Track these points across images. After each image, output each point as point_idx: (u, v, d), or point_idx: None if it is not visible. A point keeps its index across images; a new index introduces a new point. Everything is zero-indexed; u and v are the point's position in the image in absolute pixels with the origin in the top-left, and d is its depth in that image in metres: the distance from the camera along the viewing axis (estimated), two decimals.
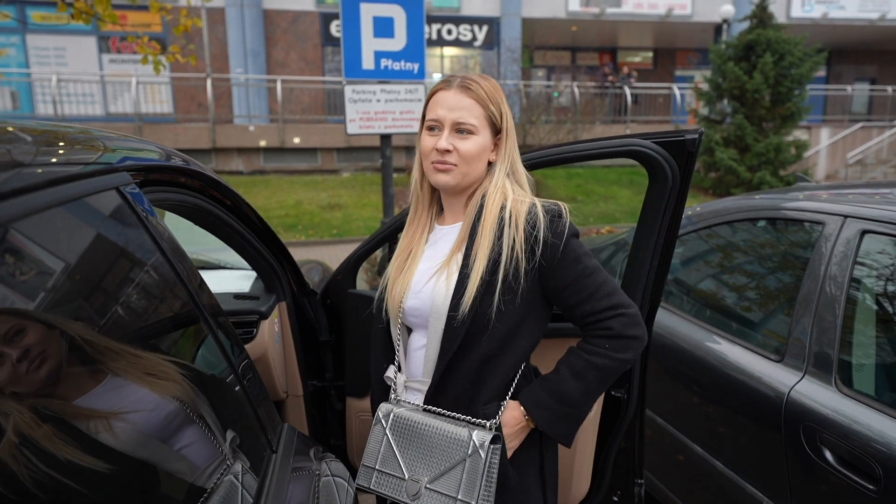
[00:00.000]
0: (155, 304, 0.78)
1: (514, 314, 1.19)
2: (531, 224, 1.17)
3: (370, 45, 4.03)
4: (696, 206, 2.52)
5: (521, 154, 1.36)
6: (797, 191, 2.24)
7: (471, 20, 15.84)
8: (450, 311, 1.19)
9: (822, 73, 18.01)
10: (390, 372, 1.32)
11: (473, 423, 1.20)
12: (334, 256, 7.63)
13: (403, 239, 1.36)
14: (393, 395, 1.32)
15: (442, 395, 1.24)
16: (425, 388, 1.26)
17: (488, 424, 1.20)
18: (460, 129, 1.21)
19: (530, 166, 1.37)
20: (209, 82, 12.25)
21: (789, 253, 2.01)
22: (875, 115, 16.62)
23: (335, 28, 15.23)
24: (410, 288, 1.28)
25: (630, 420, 1.62)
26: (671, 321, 2.25)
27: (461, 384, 1.22)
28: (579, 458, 1.64)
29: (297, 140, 12.33)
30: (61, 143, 0.77)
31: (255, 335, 1.75)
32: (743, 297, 2.12)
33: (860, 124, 14.62)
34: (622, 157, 1.39)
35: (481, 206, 1.22)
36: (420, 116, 1.30)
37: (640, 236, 1.47)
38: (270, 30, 14.65)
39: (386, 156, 4.46)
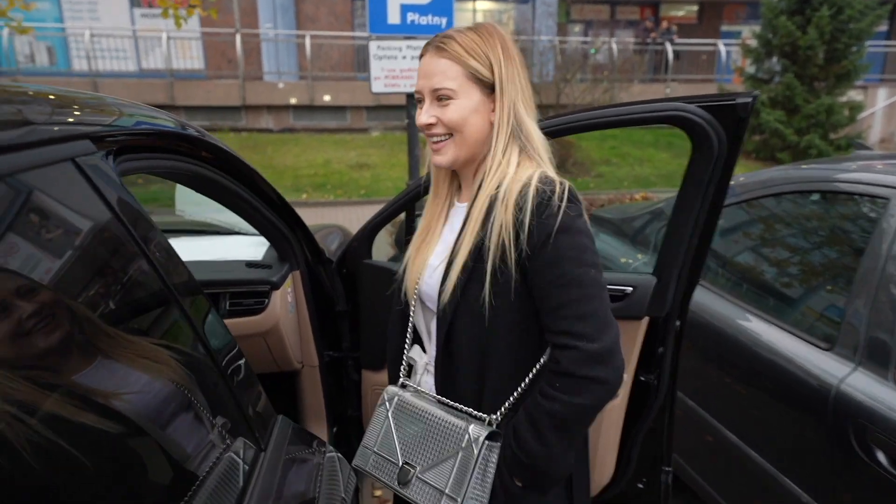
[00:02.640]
0: (112, 289, 0.70)
1: (511, 308, 1.04)
2: (519, 205, 1.00)
3: None
4: (739, 177, 2.34)
5: (549, 118, 1.22)
6: (852, 160, 2.04)
7: None
8: (437, 299, 1.11)
9: (882, 27, 16.79)
10: (415, 352, 1.24)
11: (473, 416, 1.11)
12: (362, 217, 7.54)
13: (423, 217, 1.24)
14: (402, 378, 1.25)
15: (449, 385, 1.15)
16: None
17: (488, 419, 1.09)
18: (440, 97, 1.07)
19: (558, 132, 1.23)
20: (238, 38, 12.09)
21: (843, 229, 1.83)
22: None
23: None
24: (426, 270, 1.18)
25: (659, 405, 1.51)
26: (705, 297, 2.11)
27: (465, 377, 1.12)
28: (603, 444, 1.56)
29: (326, 98, 12.17)
30: (16, 109, 0.68)
31: (267, 306, 1.69)
32: (788, 277, 1.96)
33: None
34: (662, 124, 1.24)
35: (480, 183, 1.09)
36: None
37: (679, 210, 1.33)
38: None
39: (411, 115, 4.31)
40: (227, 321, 1.66)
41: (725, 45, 14.43)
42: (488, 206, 1.04)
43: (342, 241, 2.42)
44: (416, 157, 4.36)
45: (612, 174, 10.42)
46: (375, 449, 1.19)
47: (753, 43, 12.11)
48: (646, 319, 1.48)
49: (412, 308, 1.22)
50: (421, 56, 1.11)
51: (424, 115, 1.08)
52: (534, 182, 1.01)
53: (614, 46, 13.19)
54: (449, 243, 1.14)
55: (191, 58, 13.76)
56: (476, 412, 1.10)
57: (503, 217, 1.00)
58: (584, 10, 17.26)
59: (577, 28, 17.47)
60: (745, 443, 1.82)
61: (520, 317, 1.05)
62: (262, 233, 1.68)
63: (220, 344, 0.90)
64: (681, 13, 18.25)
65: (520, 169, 1.05)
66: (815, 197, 2.00)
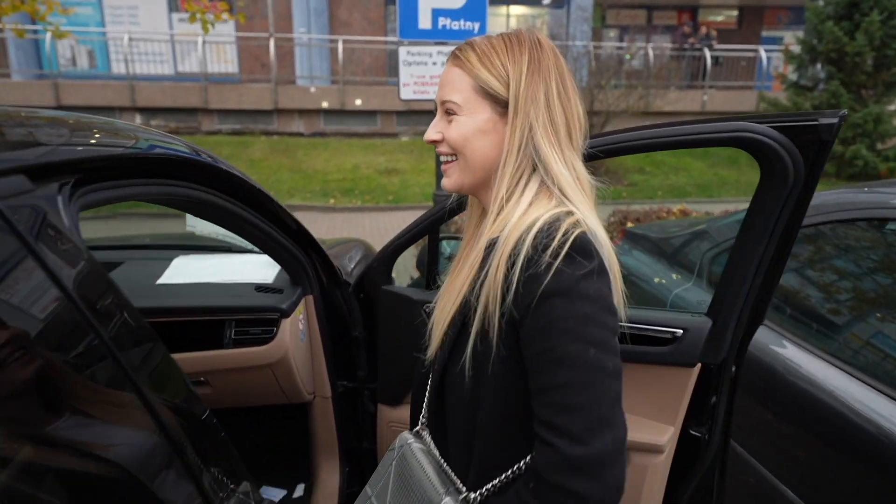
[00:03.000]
0: (35, 359, 0.56)
1: (491, 382, 0.86)
2: (511, 261, 0.81)
3: (427, 1, 3.71)
4: None
5: (597, 136, 1.06)
6: None
7: None
8: (427, 346, 0.99)
9: None
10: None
11: (452, 489, 0.95)
12: (389, 224, 7.48)
13: (453, 263, 1.07)
14: (421, 425, 1.11)
15: (442, 446, 1.02)
16: None
17: (463, 496, 0.92)
18: (447, 111, 0.93)
19: (607, 153, 1.06)
20: (272, 42, 12.19)
21: None
22: None
23: None
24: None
25: (709, 463, 1.33)
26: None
27: (455, 443, 0.97)
28: None
29: (358, 102, 12.18)
30: None
31: (275, 335, 1.56)
32: (859, 313, 1.75)
33: None
34: (726, 146, 1.07)
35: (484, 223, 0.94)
36: None
37: (742, 245, 1.16)
38: None
39: None
40: (230, 352, 1.54)
41: (766, 51, 13.97)
42: (484, 255, 0.87)
43: (363, 256, 2.29)
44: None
45: (645, 183, 10.14)
46: (373, 496, 1.08)
47: (797, 49, 11.68)
48: (698, 367, 1.30)
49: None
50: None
51: (430, 130, 0.95)
52: (535, 227, 0.81)
53: (650, 52, 12.87)
54: None
55: (225, 62, 13.95)
56: (457, 483, 0.95)
57: (493, 273, 0.82)
58: (620, 14, 16.96)
59: (613, 33, 17.17)
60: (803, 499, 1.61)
61: (505, 391, 0.87)
62: (273, 257, 1.56)
63: (181, 417, 0.76)
64: (720, 18, 17.78)
65: (531, 209, 0.85)
66: (893, 226, 1.79)
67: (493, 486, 0.90)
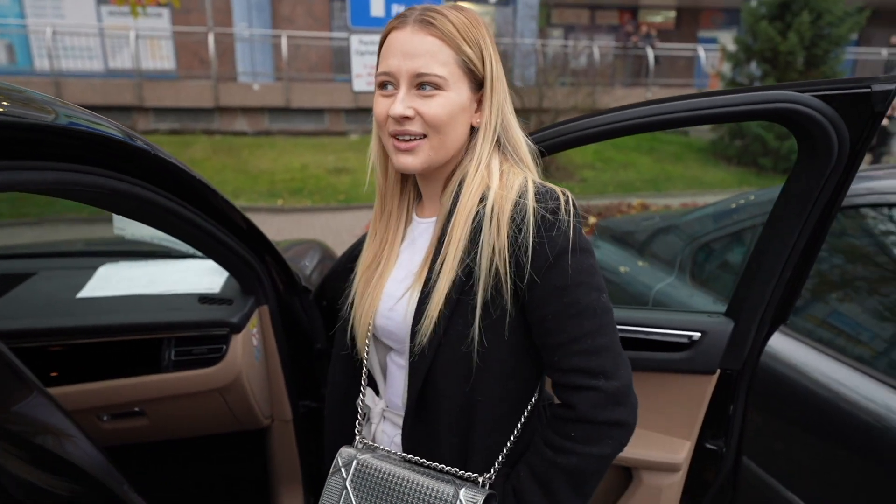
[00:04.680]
0: None
1: (503, 346, 0.88)
2: (517, 223, 0.84)
3: None
4: (749, 194, 2.04)
5: (599, 115, 0.94)
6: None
7: None
8: (409, 340, 0.91)
9: (853, 35, 17.12)
10: (367, 397, 1.04)
11: (462, 478, 0.91)
12: (341, 224, 7.21)
13: (369, 243, 1.03)
14: (358, 435, 1.00)
15: (424, 440, 0.94)
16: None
17: (481, 480, 0.90)
18: (422, 84, 0.87)
19: (625, 129, 0.97)
20: (211, 37, 11.63)
21: None
22: None
23: None
24: (381, 303, 0.98)
25: (724, 478, 1.20)
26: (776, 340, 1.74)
27: (446, 429, 0.91)
28: None
29: (303, 100, 11.80)
30: None
31: (225, 354, 1.34)
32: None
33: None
34: (762, 119, 0.93)
35: (456, 196, 0.91)
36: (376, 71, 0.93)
37: (771, 234, 1.03)
38: None
39: None
40: (170, 376, 1.30)
41: (706, 49, 14.45)
42: (473, 225, 0.87)
43: (321, 258, 2.07)
44: None
45: (596, 179, 10.29)
46: None
47: (733, 48, 12.12)
48: (717, 374, 1.16)
49: (366, 347, 1.02)
50: (389, 31, 0.89)
51: (400, 105, 0.86)
52: (531, 193, 0.85)
53: (595, 50, 13.08)
54: (413, 268, 0.96)
55: (161, 57, 13.26)
56: (462, 472, 0.91)
57: (494, 238, 0.84)
58: (565, 13, 17.21)
59: (557, 32, 17.39)
60: None
61: (513, 356, 0.89)
62: (220, 262, 1.32)
63: None
64: (659, 19, 18.32)
65: (506, 178, 0.89)
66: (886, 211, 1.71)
67: (500, 461, 0.91)
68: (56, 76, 11.24)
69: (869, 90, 0.85)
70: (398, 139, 0.88)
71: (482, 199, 0.87)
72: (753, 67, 11.86)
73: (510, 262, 0.83)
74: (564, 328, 0.83)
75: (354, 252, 1.41)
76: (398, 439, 0.97)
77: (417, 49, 0.85)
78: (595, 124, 1.01)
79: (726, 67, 12.39)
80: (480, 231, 0.85)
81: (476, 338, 0.85)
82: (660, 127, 0.95)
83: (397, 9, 3.57)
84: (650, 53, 13.89)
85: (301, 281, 1.52)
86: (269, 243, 1.35)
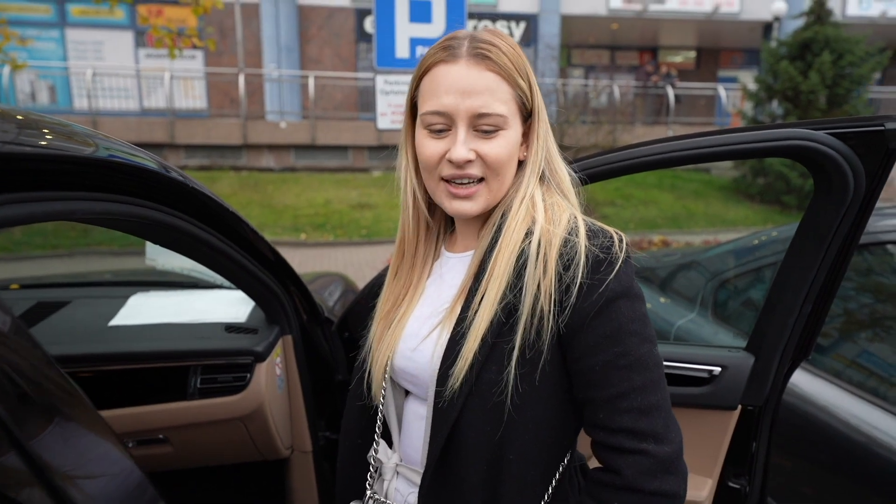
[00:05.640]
0: None
1: (540, 399, 0.79)
2: (565, 262, 0.77)
3: (405, 30, 3.64)
4: (772, 230, 2.03)
5: (627, 148, 0.95)
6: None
7: (508, 16, 15.41)
8: (437, 384, 0.81)
9: (876, 75, 17.10)
10: (380, 450, 0.95)
11: None
12: (363, 259, 7.28)
13: (390, 285, 0.95)
14: (370, 489, 0.92)
15: (444, 497, 0.83)
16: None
17: None
18: (483, 127, 0.80)
19: (646, 165, 0.97)
20: (241, 77, 12.08)
21: None
22: None
23: (369, 24, 15.01)
24: (402, 342, 0.89)
25: None
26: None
27: (470, 487, 0.80)
28: None
29: (328, 137, 12.12)
30: None
31: (249, 382, 1.36)
32: None
33: None
34: (777, 156, 0.95)
35: (498, 230, 0.83)
36: (408, 104, 0.88)
37: (789, 268, 1.04)
38: (305, 25, 14.51)
39: None
40: (195, 403, 1.33)
41: (726, 88, 14.53)
42: (517, 260, 0.79)
43: (343, 291, 2.10)
44: None
45: (617, 216, 10.26)
46: None
47: (754, 87, 12.17)
48: (738, 409, 1.15)
49: (382, 395, 0.92)
50: (434, 63, 0.81)
51: (463, 148, 0.79)
52: (581, 230, 0.78)
53: (616, 90, 13.24)
54: (441, 304, 0.87)
55: (193, 97, 13.78)
56: None
57: (541, 275, 0.76)
58: (585, 54, 17.51)
59: (578, 72, 17.66)
60: None
61: (549, 408, 0.80)
62: (247, 291, 1.36)
63: None
64: (678, 59, 18.51)
65: (551, 213, 0.82)
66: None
67: None
68: (93, 115, 11.74)
69: (882, 128, 0.87)
70: (454, 184, 0.81)
71: (527, 234, 0.80)
72: (775, 106, 11.88)
73: (556, 300, 0.76)
74: (612, 382, 0.75)
75: (377, 283, 1.44)
76: (412, 498, 0.89)
77: (476, 86, 0.78)
78: (604, 162, 1.04)
79: (748, 106, 12.44)
80: (524, 267, 0.78)
81: (511, 384, 0.76)
82: (677, 163, 0.97)
83: (422, 50, 3.69)
84: (670, 92, 14.01)
85: (324, 312, 1.55)
86: (294, 274, 1.39)
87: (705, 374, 1.14)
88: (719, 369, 1.14)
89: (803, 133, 0.90)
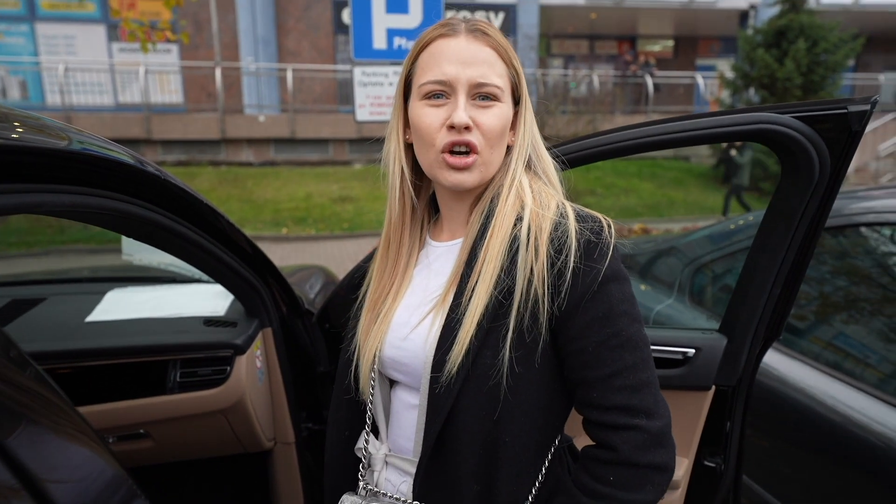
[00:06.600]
0: None
1: (534, 380, 0.80)
2: (557, 246, 0.78)
3: (382, 21, 3.62)
4: (748, 215, 2.07)
5: (594, 136, 0.96)
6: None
7: (487, 6, 15.36)
8: (432, 371, 0.82)
9: (850, 61, 17.39)
10: (367, 442, 0.94)
11: None
12: (345, 252, 7.26)
13: (376, 276, 0.95)
14: (362, 482, 0.92)
15: (439, 485, 0.84)
16: (414, 471, 0.87)
17: None
18: (482, 95, 0.82)
19: (611, 153, 0.99)
20: (218, 71, 11.91)
21: None
22: None
23: (347, 15, 14.85)
24: (390, 332, 0.89)
25: (723, 495, 1.20)
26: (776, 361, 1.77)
27: (466, 473, 0.81)
28: None
29: (307, 131, 12.01)
30: None
31: (229, 375, 1.36)
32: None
33: (892, 115, 13.99)
34: (746, 140, 0.97)
35: (488, 216, 0.84)
36: (401, 83, 0.89)
37: (759, 251, 1.06)
38: (282, 17, 14.31)
39: None
40: (175, 397, 1.32)
41: (704, 76, 14.68)
42: (509, 245, 0.81)
43: (324, 283, 2.10)
44: None
45: (597, 205, 10.35)
46: None
47: (731, 75, 12.31)
48: (712, 390, 1.18)
49: (371, 386, 0.92)
50: (433, 38, 0.83)
51: (462, 113, 0.80)
52: (571, 214, 0.80)
53: (595, 79, 13.31)
54: (430, 293, 0.88)
55: (169, 91, 13.55)
56: None
57: (532, 259, 0.78)
58: (564, 44, 17.54)
59: (557, 62, 17.70)
60: None
61: (543, 389, 0.82)
62: (224, 284, 1.35)
63: None
64: (657, 48, 18.63)
65: (539, 198, 0.84)
66: (864, 231, 1.74)
67: (530, 501, 0.84)
68: (67, 111, 11.49)
69: (845, 111, 0.90)
70: (453, 154, 0.82)
71: (518, 220, 0.81)
72: (752, 93, 12.05)
73: (549, 284, 0.77)
74: (605, 361, 0.77)
75: (357, 273, 1.44)
76: (404, 487, 0.89)
77: (476, 57, 0.81)
78: (576, 149, 1.05)
79: (725, 94, 12.60)
80: (517, 252, 0.79)
81: (506, 367, 0.77)
82: (646, 148, 0.99)
83: (399, 41, 3.67)
84: (649, 81, 14.11)
85: (304, 304, 1.55)
86: (273, 267, 1.39)
87: (680, 356, 1.17)
88: (693, 351, 1.17)
89: (770, 117, 0.92)
